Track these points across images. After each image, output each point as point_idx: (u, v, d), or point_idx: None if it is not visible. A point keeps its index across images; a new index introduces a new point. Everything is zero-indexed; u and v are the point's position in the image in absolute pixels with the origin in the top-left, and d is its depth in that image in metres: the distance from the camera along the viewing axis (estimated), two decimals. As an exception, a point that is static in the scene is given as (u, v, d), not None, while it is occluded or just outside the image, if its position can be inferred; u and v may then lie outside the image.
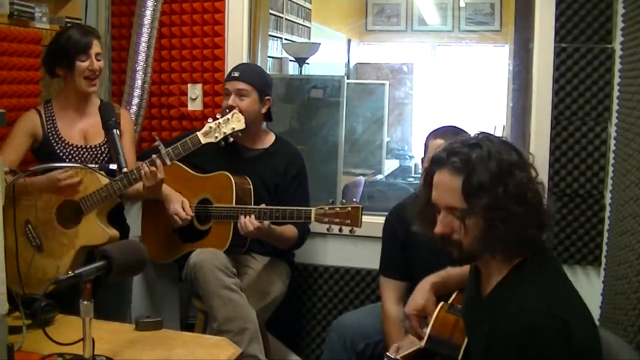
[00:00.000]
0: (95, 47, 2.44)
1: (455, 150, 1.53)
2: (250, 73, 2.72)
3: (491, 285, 1.56)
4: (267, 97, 2.74)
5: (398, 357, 1.80)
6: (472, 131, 1.63)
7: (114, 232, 2.38)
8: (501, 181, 1.47)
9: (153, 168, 2.35)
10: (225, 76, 2.80)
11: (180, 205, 2.62)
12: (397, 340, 2.27)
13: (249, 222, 2.45)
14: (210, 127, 2.39)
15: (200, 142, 2.38)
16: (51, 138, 2.48)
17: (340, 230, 2.42)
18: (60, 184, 2.35)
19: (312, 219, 2.44)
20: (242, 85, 2.66)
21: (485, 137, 1.56)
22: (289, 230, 2.66)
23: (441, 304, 2.00)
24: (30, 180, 2.30)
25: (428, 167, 1.60)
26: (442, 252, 1.60)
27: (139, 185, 2.40)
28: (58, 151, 2.47)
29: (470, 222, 1.49)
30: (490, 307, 1.53)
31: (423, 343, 1.88)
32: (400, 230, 2.38)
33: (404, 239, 2.38)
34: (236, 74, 2.69)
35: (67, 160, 2.46)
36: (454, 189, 1.50)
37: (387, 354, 1.78)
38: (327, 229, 2.44)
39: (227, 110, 2.58)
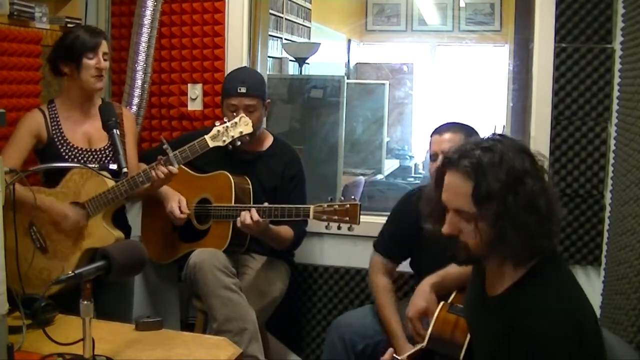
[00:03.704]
0: (103, 47, 2.44)
1: (467, 152, 1.51)
2: (254, 84, 2.66)
3: (503, 286, 1.55)
4: (268, 102, 2.75)
5: (404, 357, 1.80)
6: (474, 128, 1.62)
7: (120, 234, 2.39)
8: (511, 190, 1.45)
9: (166, 170, 2.36)
10: (227, 88, 2.67)
11: (177, 204, 2.61)
12: (392, 311, 2.34)
13: (248, 215, 2.44)
14: (218, 131, 2.37)
15: (208, 146, 2.37)
16: (56, 140, 2.47)
17: (339, 228, 2.41)
18: (65, 223, 2.35)
19: (311, 216, 2.44)
20: (250, 102, 2.61)
21: (499, 140, 1.53)
22: (285, 231, 2.65)
23: (442, 303, 2.00)
24: (40, 200, 2.29)
25: (439, 167, 1.59)
26: (448, 246, 1.59)
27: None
28: (63, 153, 2.46)
29: (479, 227, 1.49)
30: (504, 307, 1.53)
31: (424, 343, 1.89)
32: (410, 218, 2.33)
33: (411, 228, 2.34)
34: (243, 90, 2.61)
35: (71, 162, 2.46)
36: (463, 193, 1.49)
37: (395, 355, 1.77)
38: (326, 227, 2.43)
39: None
